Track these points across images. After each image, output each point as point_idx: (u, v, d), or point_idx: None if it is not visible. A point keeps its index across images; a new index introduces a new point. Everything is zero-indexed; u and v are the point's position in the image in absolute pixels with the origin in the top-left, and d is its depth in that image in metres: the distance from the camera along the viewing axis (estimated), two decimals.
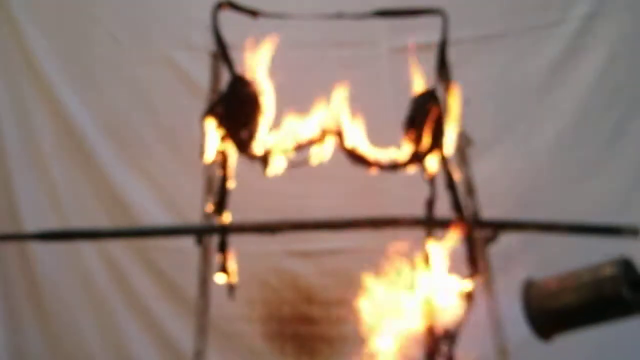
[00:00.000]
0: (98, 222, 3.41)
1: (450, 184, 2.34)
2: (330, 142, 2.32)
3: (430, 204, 2.31)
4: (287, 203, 3.26)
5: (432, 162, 2.34)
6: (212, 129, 2.31)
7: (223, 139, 2.31)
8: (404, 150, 2.34)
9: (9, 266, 3.49)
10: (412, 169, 2.36)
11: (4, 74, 3.52)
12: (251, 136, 2.31)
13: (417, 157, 2.31)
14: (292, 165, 2.30)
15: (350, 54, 3.40)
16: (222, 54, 2.36)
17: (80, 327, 3.46)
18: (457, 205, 2.33)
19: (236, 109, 2.31)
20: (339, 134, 2.31)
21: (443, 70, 2.39)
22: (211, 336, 2.43)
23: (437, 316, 2.27)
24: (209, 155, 2.34)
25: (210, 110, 2.31)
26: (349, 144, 2.32)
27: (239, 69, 2.36)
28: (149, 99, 3.49)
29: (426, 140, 2.30)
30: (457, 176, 2.36)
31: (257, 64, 2.35)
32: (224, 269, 2.32)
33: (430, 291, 2.28)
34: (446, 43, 2.40)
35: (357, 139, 2.33)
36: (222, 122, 2.30)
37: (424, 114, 2.31)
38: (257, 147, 2.31)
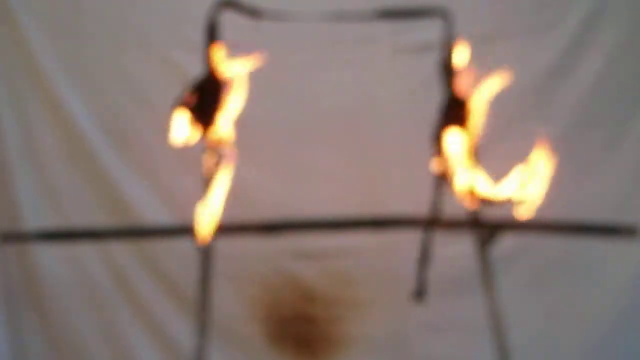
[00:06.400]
0: (98, 222, 3.41)
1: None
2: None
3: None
4: (287, 203, 3.26)
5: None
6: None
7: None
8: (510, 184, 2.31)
9: (9, 266, 3.49)
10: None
11: (3, 73, 3.51)
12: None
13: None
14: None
15: (351, 53, 3.39)
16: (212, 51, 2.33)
17: (80, 327, 3.46)
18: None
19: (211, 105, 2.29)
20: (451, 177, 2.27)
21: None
22: (212, 336, 2.43)
23: None
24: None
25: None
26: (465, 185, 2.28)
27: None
28: (149, 98, 3.48)
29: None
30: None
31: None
32: None
33: None
34: (449, 43, 2.40)
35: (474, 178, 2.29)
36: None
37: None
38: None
